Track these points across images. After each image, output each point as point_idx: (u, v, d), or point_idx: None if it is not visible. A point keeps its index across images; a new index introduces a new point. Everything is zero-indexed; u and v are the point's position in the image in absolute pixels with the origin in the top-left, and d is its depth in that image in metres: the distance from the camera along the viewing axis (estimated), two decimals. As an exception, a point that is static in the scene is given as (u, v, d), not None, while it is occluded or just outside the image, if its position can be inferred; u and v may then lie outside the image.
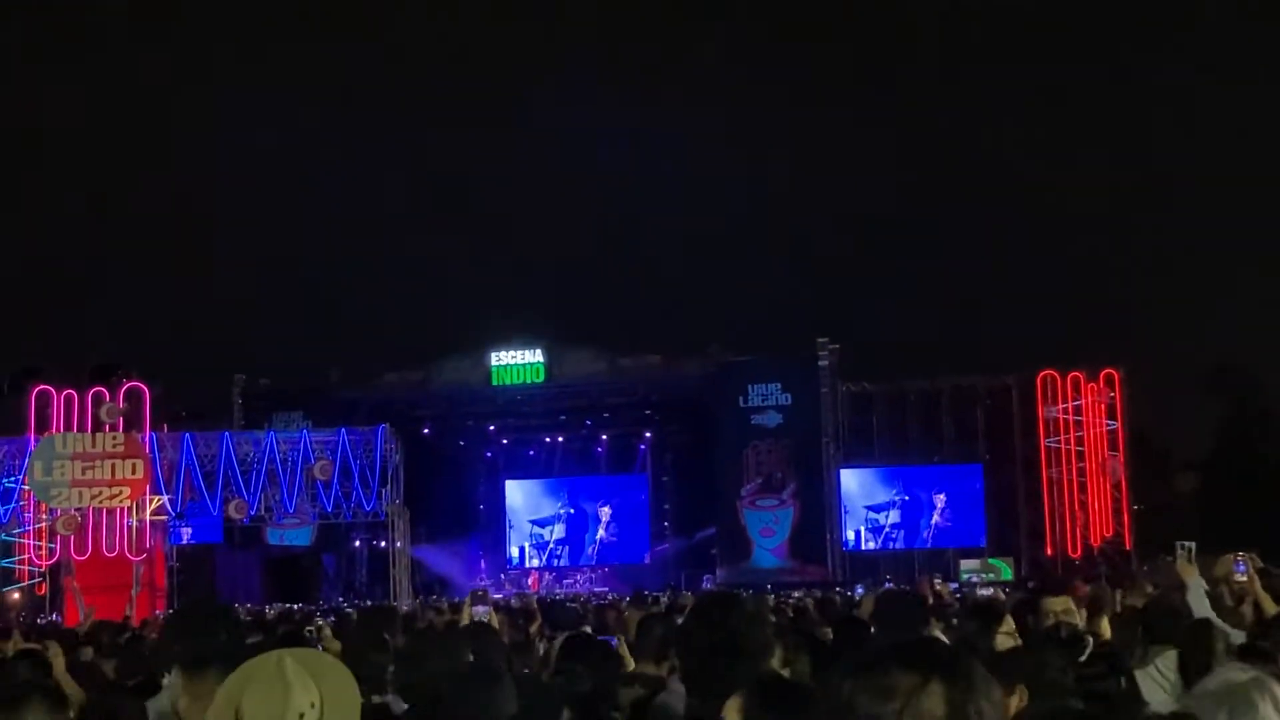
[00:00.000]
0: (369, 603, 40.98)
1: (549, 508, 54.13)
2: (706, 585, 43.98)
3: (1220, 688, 4.03)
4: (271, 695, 3.19)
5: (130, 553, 38.90)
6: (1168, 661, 6.84)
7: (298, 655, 3.36)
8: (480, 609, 9.75)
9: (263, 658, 3.36)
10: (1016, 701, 4.82)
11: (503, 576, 51.17)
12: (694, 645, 4.45)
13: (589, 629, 11.67)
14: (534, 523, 54.05)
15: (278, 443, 41.81)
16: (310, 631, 13.01)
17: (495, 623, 9.20)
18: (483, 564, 52.52)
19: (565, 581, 51.37)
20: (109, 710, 5.54)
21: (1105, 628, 8.64)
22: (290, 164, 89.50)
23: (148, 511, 39.54)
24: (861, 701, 2.20)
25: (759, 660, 4.32)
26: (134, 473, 39.11)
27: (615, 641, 8.20)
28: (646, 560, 53.61)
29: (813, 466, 47.59)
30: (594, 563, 53.27)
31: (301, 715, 3.16)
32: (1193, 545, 9.34)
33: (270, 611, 31.32)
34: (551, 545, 54.01)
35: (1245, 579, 9.28)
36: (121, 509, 39.10)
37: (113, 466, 38.89)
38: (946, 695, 2.18)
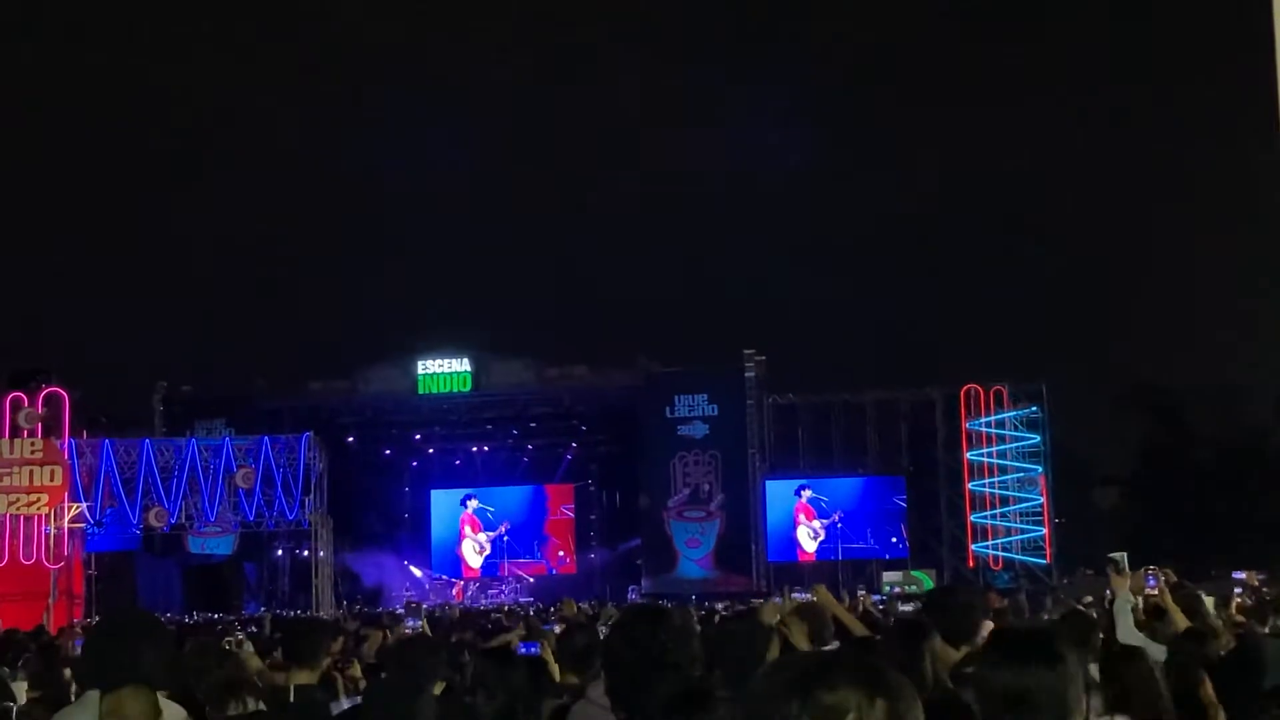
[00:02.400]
0: (293, 612, 40.69)
1: (474, 518, 53.96)
2: (632, 596, 44.02)
3: None
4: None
5: (47, 560, 38.35)
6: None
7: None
8: (412, 622, 9.73)
9: (81, 700, 3.34)
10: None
11: (427, 587, 50.93)
12: (620, 659, 4.39)
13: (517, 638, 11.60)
14: (460, 533, 53.85)
15: (199, 450, 41.38)
16: (229, 643, 12.87)
17: (428, 634, 9.16)
18: (408, 574, 52.21)
19: (490, 592, 51.16)
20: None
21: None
22: (218, 166, 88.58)
23: (66, 519, 39.00)
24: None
25: (686, 674, 4.26)
26: (52, 479, 38.54)
27: (538, 648, 8.17)
28: (571, 570, 53.58)
29: (739, 478, 47.74)
30: (518, 573, 53.10)
31: None
32: (1124, 556, 9.47)
33: (190, 621, 31.02)
34: (476, 555, 53.82)
35: (1156, 592, 9.45)
36: (39, 516, 38.53)
37: (30, 473, 38.30)
38: (889, 709, 2.17)
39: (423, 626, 9.59)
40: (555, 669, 7.25)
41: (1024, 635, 3.41)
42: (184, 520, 41.85)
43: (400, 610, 23.46)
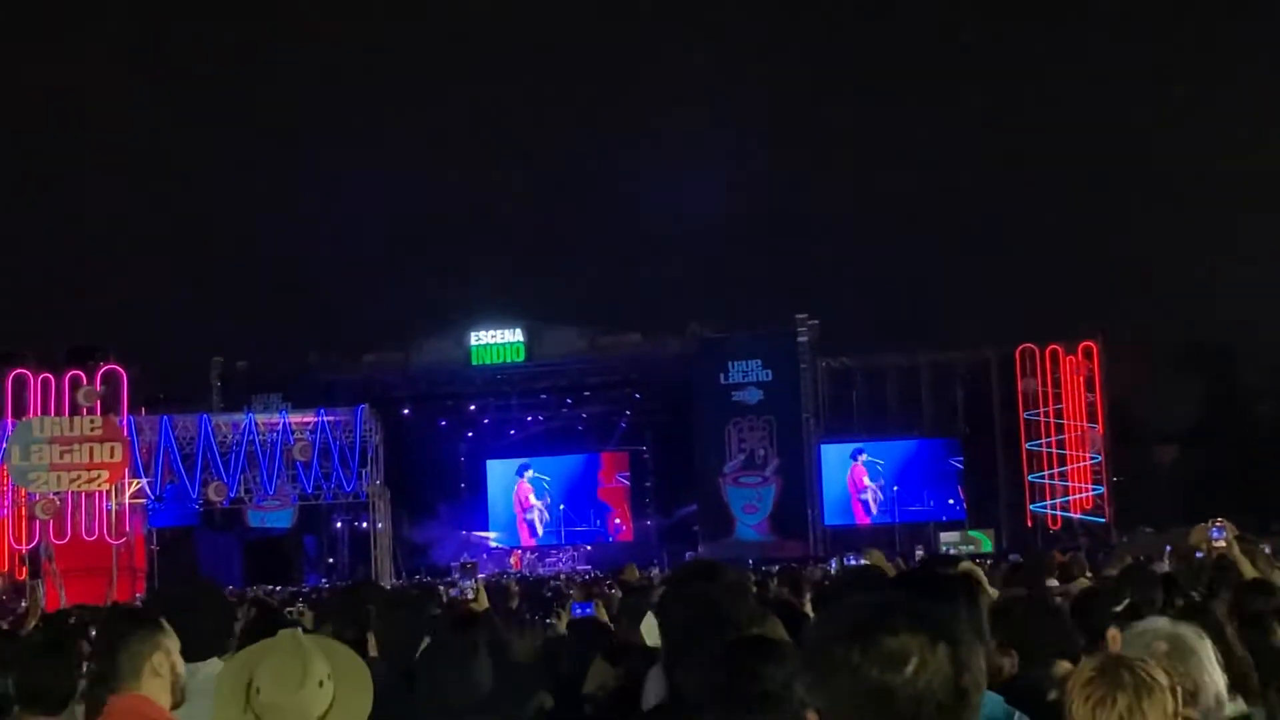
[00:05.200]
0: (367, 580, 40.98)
1: (530, 487, 54.20)
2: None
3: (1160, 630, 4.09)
4: (291, 665, 3.30)
5: (110, 536, 38.76)
6: None
7: (309, 635, 3.48)
8: (466, 583, 9.74)
9: (278, 636, 3.43)
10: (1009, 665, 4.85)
11: (485, 555, 51.20)
12: (674, 616, 4.33)
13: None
14: (515, 502, 54.10)
15: (257, 425, 41.71)
16: (291, 613, 12.99)
17: (482, 598, 9.18)
18: (467, 543, 52.46)
19: (547, 560, 51.36)
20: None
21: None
22: (270, 146, 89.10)
23: (126, 495, 39.40)
24: (872, 672, 2.11)
25: (742, 631, 4.21)
26: (112, 456, 38.94)
27: (592, 608, 8.22)
28: (628, 537, 53.75)
29: (793, 442, 47.64)
30: (576, 541, 53.31)
31: (320, 683, 3.29)
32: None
33: (252, 593, 31.28)
34: (533, 524, 54.09)
35: (1223, 544, 9.32)
36: (100, 492, 38.94)
37: (91, 450, 38.71)
38: (951, 654, 2.12)
39: (477, 587, 9.57)
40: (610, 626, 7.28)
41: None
42: (243, 494, 42.21)
43: (457, 574, 23.60)
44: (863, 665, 2.11)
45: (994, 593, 6.52)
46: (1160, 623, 4.26)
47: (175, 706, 4.44)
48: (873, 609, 2.20)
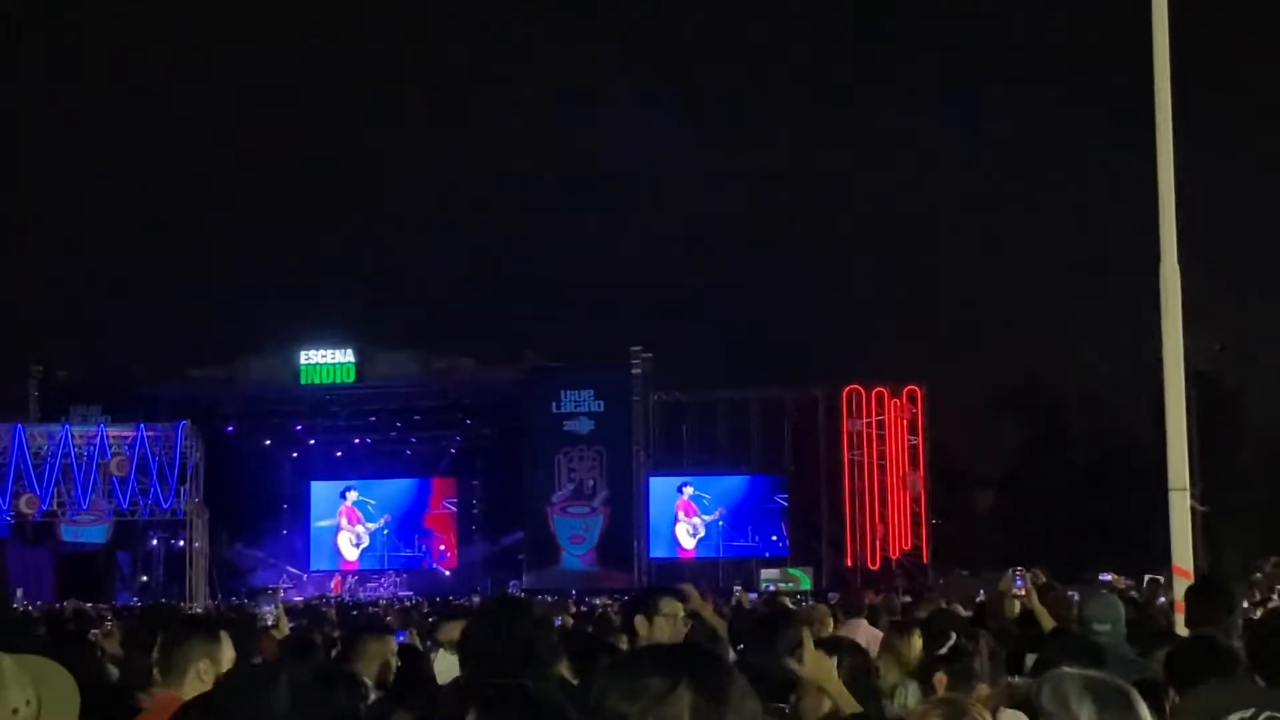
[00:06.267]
0: (166, 602, 40.12)
1: (355, 509, 53.54)
2: (514, 590, 43.98)
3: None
4: None
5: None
6: None
7: (19, 659, 3.37)
8: (267, 608, 9.64)
9: None
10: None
11: (305, 578, 50.47)
12: (479, 650, 4.33)
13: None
14: (338, 525, 53.41)
15: (73, 437, 40.69)
16: (96, 634, 12.67)
17: (282, 624, 9.07)
18: (286, 566, 51.64)
19: (369, 585, 50.79)
20: None
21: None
22: (103, 143, 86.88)
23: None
24: (611, 700, 2.23)
25: (547, 666, 4.22)
26: (-79, 463, 37.73)
27: (406, 636, 8.19)
28: (452, 564, 53.41)
29: (623, 474, 47.89)
30: (399, 566, 52.81)
31: (15, 711, 3.20)
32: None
33: (64, 607, 30.44)
34: (353, 547, 53.41)
35: (1024, 593, 9.60)
36: (-95, 501, 37.67)
37: (-103, 456, 37.49)
38: (693, 702, 2.20)
39: (278, 613, 9.47)
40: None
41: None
42: (56, 507, 41.15)
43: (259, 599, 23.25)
44: (605, 697, 2.25)
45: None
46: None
47: None
48: (637, 650, 2.34)
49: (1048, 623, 8.96)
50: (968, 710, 4.04)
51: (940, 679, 5.60)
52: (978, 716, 4.01)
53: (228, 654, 4.90)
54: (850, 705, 5.04)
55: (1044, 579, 10.17)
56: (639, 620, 5.86)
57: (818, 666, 5.06)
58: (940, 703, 4.25)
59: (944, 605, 14.34)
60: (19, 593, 38.67)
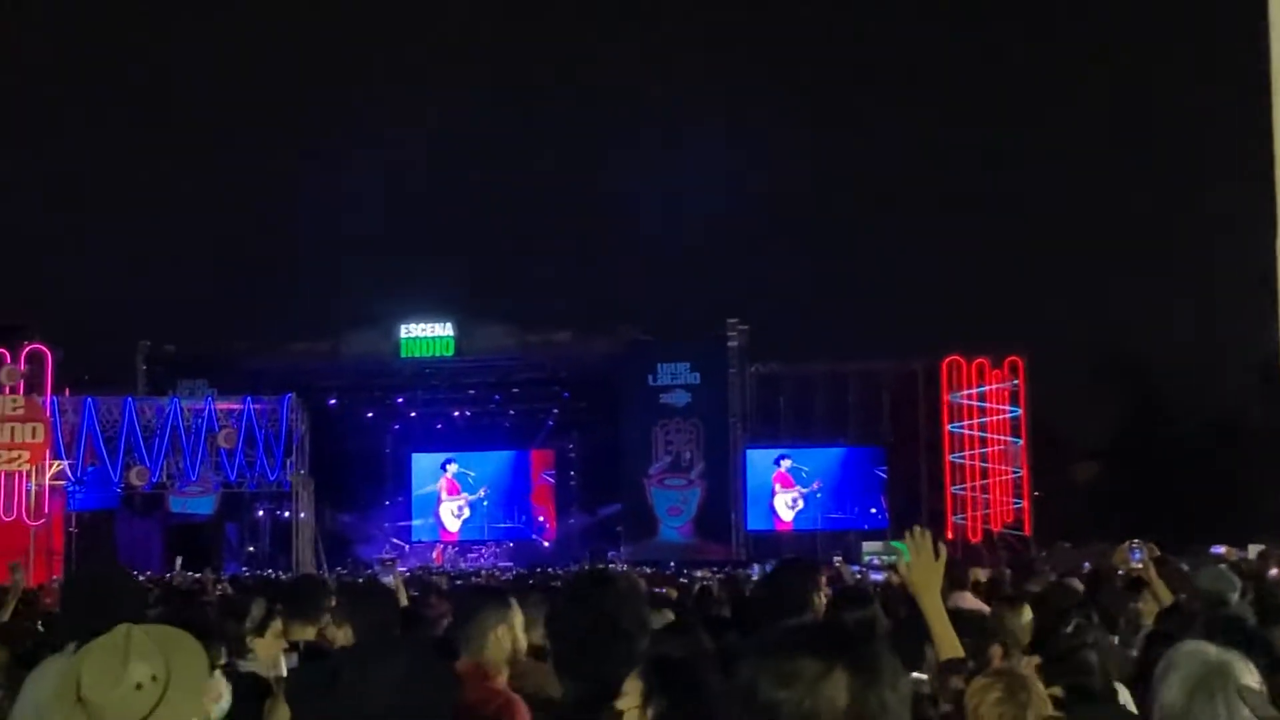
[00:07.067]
0: (270, 572, 40.78)
1: (454, 481, 54.06)
2: (614, 560, 44.22)
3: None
4: (108, 666, 3.27)
5: (28, 517, 38.35)
6: None
7: (149, 629, 3.41)
8: (386, 578, 9.75)
9: (114, 631, 3.39)
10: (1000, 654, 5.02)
11: (408, 549, 51.05)
12: (568, 627, 4.34)
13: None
14: (439, 496, 53.97)
15: (182, 410, 41.38)
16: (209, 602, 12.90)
17: (401, 594, 9.19)
18: (389, 537, 52.30)
19: (469, 556, 51.33)
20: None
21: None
22: (204, 129, 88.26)
23: (47, 476, 38.99)
24: (763, 686, 2.16)
25: (636, 640, 4.25)
26: (34, 436, 38.56)
27: None
28: (551, 535, 53.81)
29: (720, 446, 47.82)
30: (498, 537, 53.28)
31: (139, 686, 3.24)
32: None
33: (174, 578, 31.02)
34: (454, 519, 53.96)
35: (1140, 565, 9.44)
36: (20, 473, 38.51)
37: (12, 430, 38.33)
38: (849, 684, 2.14)
39: (396, 583, 9.58)
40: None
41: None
42: (165, 479, 41.87)
43: (378, 568, 23.53)
44: (757, 683, 2.17)
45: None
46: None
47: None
48: (782, 631, 2.27)
49: (1166, 596, 8.82)
50: (1026, 683, 4.05)
51: (997, 651, 5.57)
52: (1035, 688, 4.03)
53: (518, 619, 5.15)
54: (951, 646, 5.01)
55: (1157, 552, 10.00)
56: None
57: (924, 572, 5.04)
58: (999, 674, 4.25)
59: (1056, 580, 14.17)
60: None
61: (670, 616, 6.79)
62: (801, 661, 2.15)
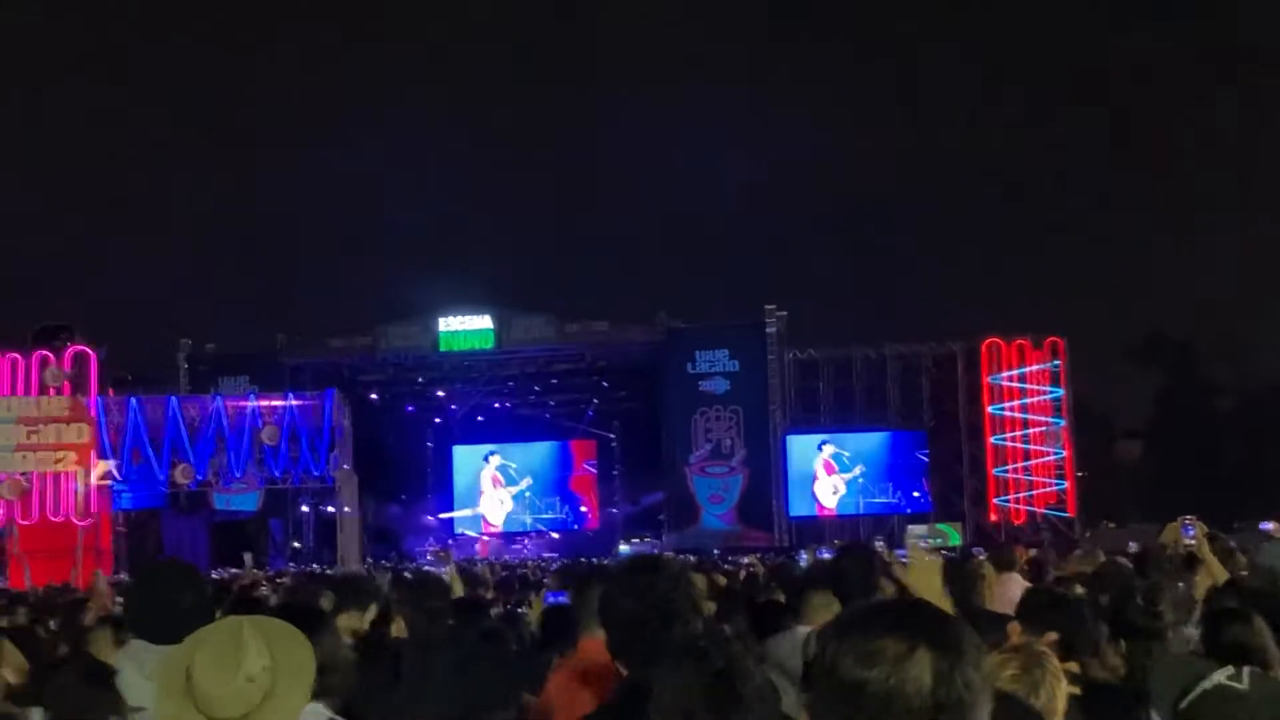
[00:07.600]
0: (315, 567, 41.00)
1: (496, 473, 54.24)
2: (649, 548, 44.27)
3: None
4: (224, 658, 3.27)
5: (76, 517, 38.63)
6: None
7: (255, 620, 3.45)
8: (441, 570, 9.77)
9: (222, 621, 3.44)
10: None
11: (451, 542, 51.20)
12: (621, 612, 4.34)
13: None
14: (481, 488, 54.15)
15: (225, 407, 41.60)
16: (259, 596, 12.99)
17: (456, 585, 9.23)
18: (432, 529, 52.51)
19: (513, 547, 51.50)
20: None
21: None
22: (244, 127, 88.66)
23: (94, 476, 39.26)
24: (846, 665, 2.15)
25: (688, 623, 4.25)
26: (80, 436, 38.83)
27: (565, 596, 8.29)
28: (594, 525, 53.91)
29: (760, 433, 47.77)
30: (541, 528, 53.43)
31: (251, 678, 3.27)
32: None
33: (220, 575, 31.23)
34: (498, 510, 54.15)
35: (1194, 542, 9.39)
36: (67, 473, 38.80)
37: (58, 430, 38.60)
38: (934, 664, 2.12)
39: (451, 574, 9.62)
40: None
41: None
42: (210, 477, 42.08)
43: (429, 560, 23.58)
44: (839, 662, 2.16)
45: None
46: None
47: None
48: (862, 610, 2.28)
49: (1221, 574, 8.75)
50: (1042, 659, 4.09)
51: (1014, 628, 5.57)
52: (1050, 664, 4.07)
53: None
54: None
55: (1206, 529, 9.93)
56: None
57: (922, 572, 5.07)
58: (1016, 650, 4.29)
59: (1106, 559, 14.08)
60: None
61: (711, 607, 6.81)
62: (884, 641, 2.14)
